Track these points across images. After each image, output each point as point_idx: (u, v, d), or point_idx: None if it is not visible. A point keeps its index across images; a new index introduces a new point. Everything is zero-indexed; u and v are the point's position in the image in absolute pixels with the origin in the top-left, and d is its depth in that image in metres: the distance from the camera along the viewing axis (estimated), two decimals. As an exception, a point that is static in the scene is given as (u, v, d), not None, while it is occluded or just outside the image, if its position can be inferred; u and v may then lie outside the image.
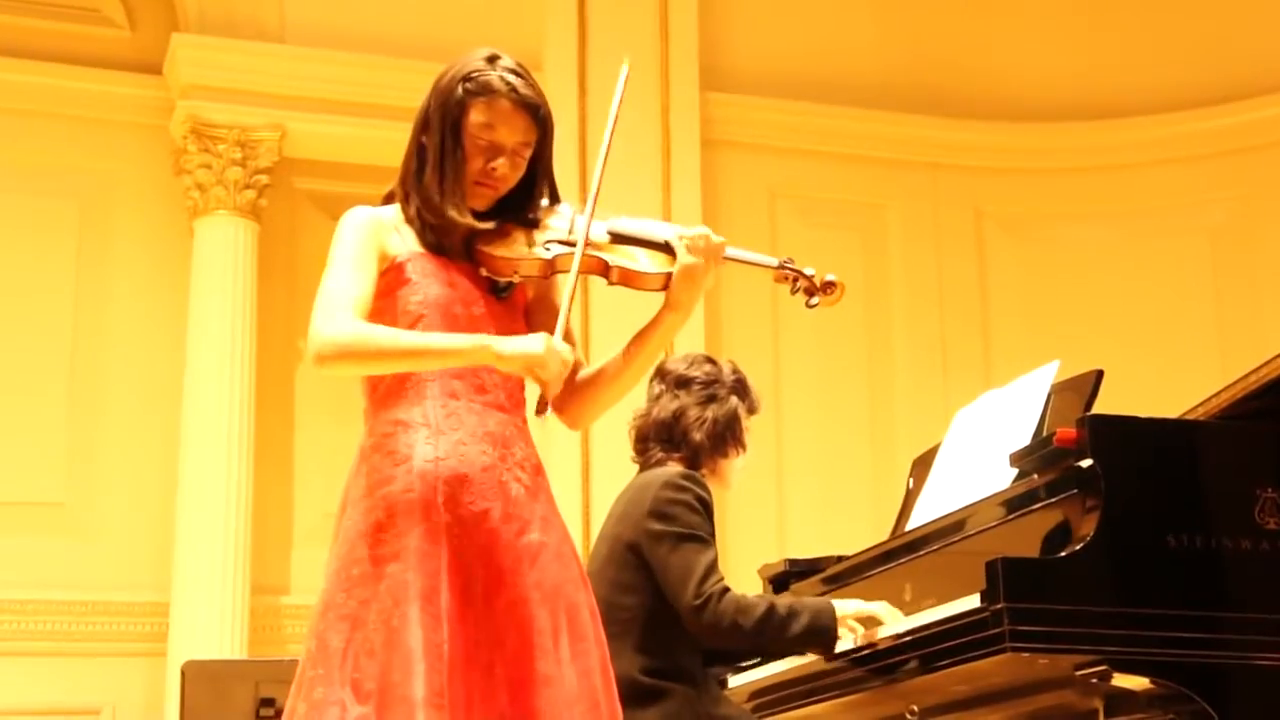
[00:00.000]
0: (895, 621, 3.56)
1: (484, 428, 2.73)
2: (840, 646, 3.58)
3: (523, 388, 2.83)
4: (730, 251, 2.92)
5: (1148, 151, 7.94)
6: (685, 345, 7.02)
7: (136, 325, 7.18)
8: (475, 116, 2.81)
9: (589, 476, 6.90)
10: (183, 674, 4.73)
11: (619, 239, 2.88)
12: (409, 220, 2.85)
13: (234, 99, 7.15)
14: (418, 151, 2.86)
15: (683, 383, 3.87)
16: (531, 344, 2.70)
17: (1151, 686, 3.16)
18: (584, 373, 2.90)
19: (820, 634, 3.57)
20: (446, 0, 7.40)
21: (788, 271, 2.96)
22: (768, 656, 3.94)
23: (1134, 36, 8.05)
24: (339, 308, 2.71)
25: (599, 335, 6.76)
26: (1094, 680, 3.16)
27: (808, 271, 2.97)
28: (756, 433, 4.02)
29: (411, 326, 2.75)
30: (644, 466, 3.88)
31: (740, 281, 7.51)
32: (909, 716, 3.71)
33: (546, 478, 2.82)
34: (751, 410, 3.94)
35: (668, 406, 3.85)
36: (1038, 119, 8.03)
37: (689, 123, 7.54)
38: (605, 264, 2.85)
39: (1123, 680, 3.16)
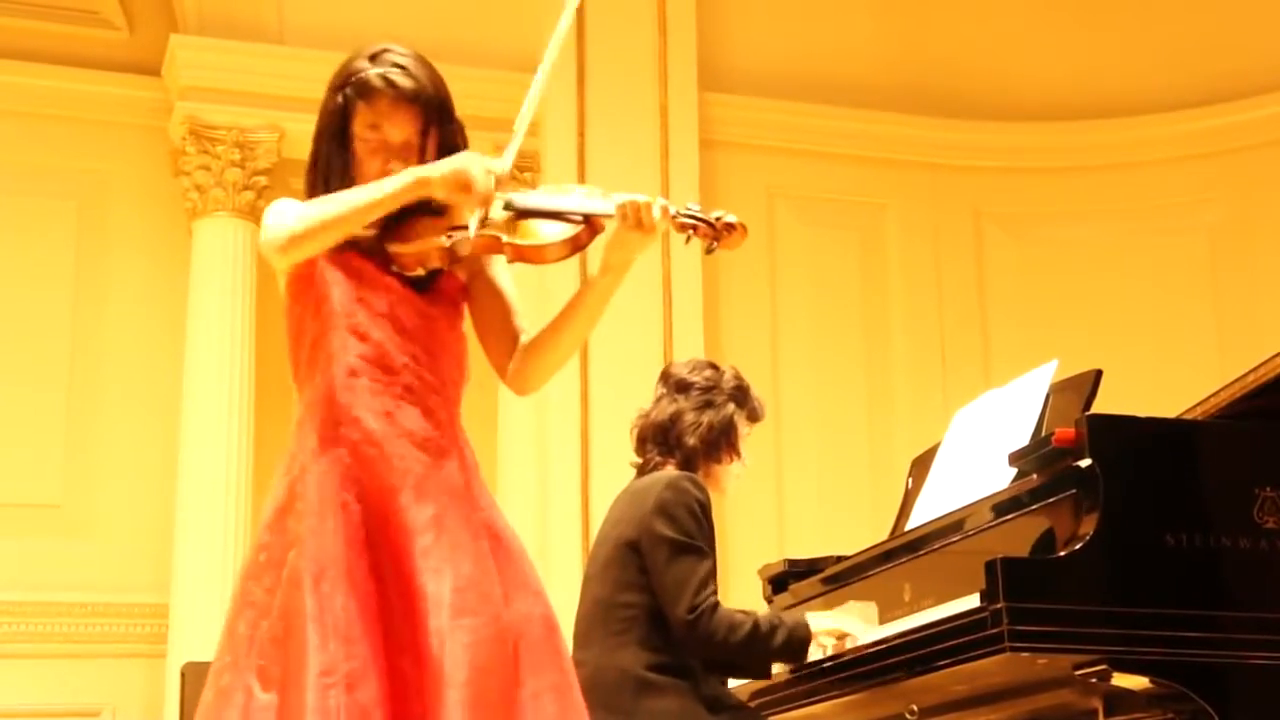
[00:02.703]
0: (866, 634, 3.64)
1: (386, 408, 2.69)
2: (813, 656, 3.70)
3: (435, 365, 2.76)
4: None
5: (1146, 150, 7.94)
6: (685, 344, 7.03)
7: (135, 327, 7.18)
8: (360, 119, 2.77)
9: (588, 480, 6.89)
10: (182, 675, 4.74)
11: (523, 214, 2.76)
12: None
13: (232, 100, 7.15)
14: (312, 159, 2.83)
15: (682, 387, 3.91)
16: (458, 159, 2.67)
17: (1151, 686, 3.16)
18: (525, 338, 2.87)
19: (795, 650, 3.70)
20: (445, 1, 7.40)
21: (686, 221, 2.83)
22: (743, 673, 3.90)
23: (1131, 36, 8.05)
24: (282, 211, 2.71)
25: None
26: (1093, 680, 3.16)
27: (712, 217, 2.84)
28: (755, 433, 4.02)
29: (329, 329, 2.74)
30: (641, 470, 3.92)
31: (738, 282, 7.52)
32: (909, 716, 3.72)
33: (462, 460, 2.73)
34: (752, 418, 3.96)
35: (665, 410, 3.90)
36: (1036, 118, 8.03)
37: (687, 123, 7.52)
38: (499, 242, 2.74)
39: (1122, 680, 3.15)
